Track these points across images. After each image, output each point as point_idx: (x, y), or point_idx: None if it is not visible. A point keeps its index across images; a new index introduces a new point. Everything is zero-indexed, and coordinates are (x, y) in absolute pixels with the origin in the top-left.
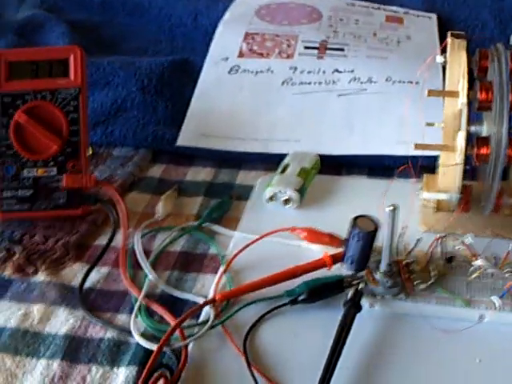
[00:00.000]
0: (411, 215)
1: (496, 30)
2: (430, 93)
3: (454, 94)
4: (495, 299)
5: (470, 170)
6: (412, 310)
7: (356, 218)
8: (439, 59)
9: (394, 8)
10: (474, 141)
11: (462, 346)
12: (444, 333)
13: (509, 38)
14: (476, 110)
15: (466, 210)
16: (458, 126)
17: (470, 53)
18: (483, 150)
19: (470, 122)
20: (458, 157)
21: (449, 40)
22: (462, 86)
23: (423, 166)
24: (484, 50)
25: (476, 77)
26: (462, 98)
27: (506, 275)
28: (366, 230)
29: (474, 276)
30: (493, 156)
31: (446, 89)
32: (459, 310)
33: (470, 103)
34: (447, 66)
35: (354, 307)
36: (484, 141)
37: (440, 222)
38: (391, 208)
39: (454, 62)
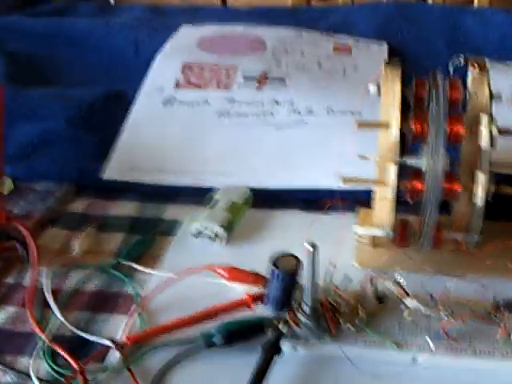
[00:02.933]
0: (346, 252)
1: (450, 60)
2: (361, 125)
3: (385, 126)
4: (429, 340)
5: (412, 204)
6: (338, 353)
7: (277, 257)
8: (372, 89)
9: (344, 37)
10: (407, 175)
11: None
12: (373, 377)
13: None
14: (411, 142)
15: (404, 245)
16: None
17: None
18: (417, 185)
19: (404, 154)
20: (390, 191)
21: (382, 68)
22: (395, 117)
23: (361, 201)
24: (421, 78)
25: (412, 107)
26: (394, 130)
27: (441, 314)
28: (286, 270)
29: (405, 316)
30: (427, 190)
31: (381, 120)
32: (390, 352)
33: (404, 135)
34: (381, 97)
35: (271, 349)
36: (418, 175)
37: (376, 260)
38: (310, 247)
39: (388, 92)
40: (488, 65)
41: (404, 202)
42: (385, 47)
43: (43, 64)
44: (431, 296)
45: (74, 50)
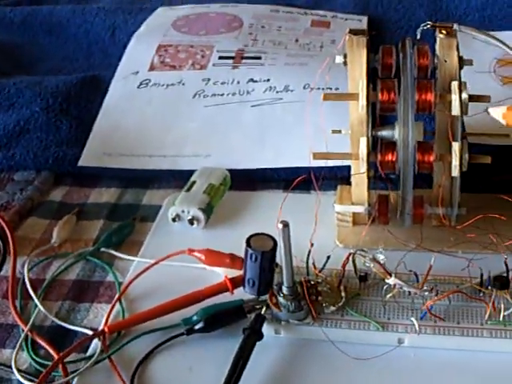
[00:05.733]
0: (328, 231)
1: (431, 31)
2: (326, 97)
3: (353, 97)
4: (414, 321)
5: (392, 180)
6: (320, 336)
7: (250, 237)
8: (338, 59)
9: (322, 12)
10: (381, 148)
11: (378, 374)
12: (357, 360)
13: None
14: (380, 113)
15: (385, 222)
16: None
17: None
18: (388, 157)
19: (375, 126)
20: (362, 165)
21: (346, 37)
22: (361, 87)
23: (345, 178)
24: (387, 46)
25: (380, 76)
26: (362, 100)
27: (426, 293)
28: (259, 249)
29: (389, 296)
30: (401, 162)
31: (349, 91)
32: (374, 334)
33: (373, 105)
34: (348, 67)
35: (253, 334)
36: (389, 146)
37: (357, 237)
38: (282, 225)
39: (355, 62)
40: (474, 33)
41: (387, 179)
42: (364, 20)
43: (22, 53)
44: (415, 274)
45: (53, 37)
